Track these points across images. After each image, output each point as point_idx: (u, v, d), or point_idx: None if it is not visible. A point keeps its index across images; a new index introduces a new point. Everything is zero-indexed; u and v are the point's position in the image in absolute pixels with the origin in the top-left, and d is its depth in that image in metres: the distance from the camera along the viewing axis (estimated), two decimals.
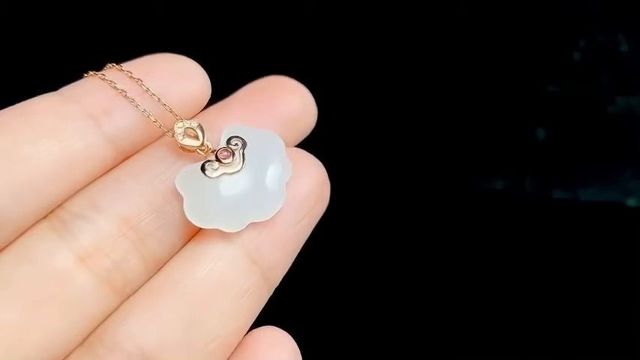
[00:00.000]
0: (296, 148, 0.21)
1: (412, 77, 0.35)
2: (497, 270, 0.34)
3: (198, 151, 0.20)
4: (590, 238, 0.34)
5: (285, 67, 0.23)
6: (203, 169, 0.19)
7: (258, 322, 0.20)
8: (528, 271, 0.34)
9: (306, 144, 0.22)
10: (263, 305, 0.20)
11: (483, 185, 0.35)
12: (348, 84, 0.35)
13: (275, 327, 0.19)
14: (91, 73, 0.20)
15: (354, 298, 0.33)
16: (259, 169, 0.19)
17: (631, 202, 0.34)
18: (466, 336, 0.33)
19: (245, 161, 0.19)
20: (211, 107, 0.21)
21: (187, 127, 0.19)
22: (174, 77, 0.20)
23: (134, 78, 0.20)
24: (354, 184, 0.34)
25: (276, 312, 0.20)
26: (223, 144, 0.20)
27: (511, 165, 0.35)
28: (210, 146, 0.20)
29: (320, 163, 0.21)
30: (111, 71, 0.20)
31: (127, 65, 0.20)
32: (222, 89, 0.21)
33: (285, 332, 0.19)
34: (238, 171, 0.19)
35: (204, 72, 0.20)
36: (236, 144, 0.20)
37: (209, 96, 0.20)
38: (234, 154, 0.19)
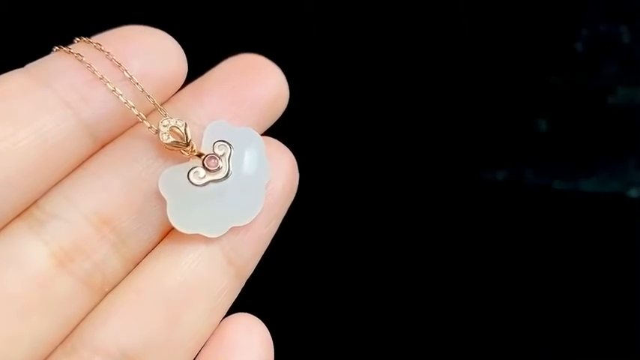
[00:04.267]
0: (269, 137, 0.20)
1: (414, 69, 0.35)
2: (498, 260, 0.34)
3: (182, 151, 0.19)
4: (591, 228, 0.34)
5: (261, 47, 0.23)
6: (188, 175, 0.19)
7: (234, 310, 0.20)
8: (529, 261, 0.34)
9: (314, 135, 0.21)
10: (234, 298, 0.20)
11: (485, 176, 0.35)
12: (347, 72, 0.35)
13: (247, 313, 0.19)
14: (61, 48, 0.19)
15: (353, 288, 0.34)
16: (243, 175, 0.19)
17: (633, 193, 0.34)
18: (466, 326, 0.33)
19: (230, 169, 0.19)
20: (187, 88, 0.20)
21: (172, 126, 0.19)
22: (150, 56, 0.19)
23: (111, 58, 0.19)
24: (356, 175, 0.34)
25: (263, 302, 0.21)
26: (207, 144, 0.19)
27: (512, 156, 0.35)
28: (195, 148, 0.19)
29: (291, 154, 0.20)
30: (81, 46, 0.19)
31: (97, 39, 0.19)
32: (194, 64, 0.20)
33: (256, 318, 0.19)
34: (224, 178, 0.19)
35: (181, 49, 0.19)
36: (223, 153, 0.19)
37: (185, 75, 0.20)
38: (220, 159, 0.19)
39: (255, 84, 0.20)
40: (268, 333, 0.19)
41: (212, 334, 0.19)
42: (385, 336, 0.33)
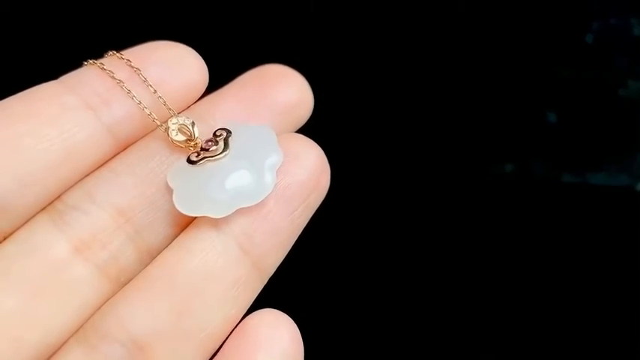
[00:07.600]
0: (294, 133, 0.21)
1: (423, 62, 0.35)
2: (506, 253, 0.34)
3: (190, 147, 0.20)
4: (599, 222, 0.34)
5: (287, 58, 0.23)
6: (188, 159, 0.20)
7: (259, 307, 0.20)
8: (537, 255, 0.34)
9: (316, 131, 0.21)
10: (256, 294, 0.20)
11: (493, 168, 0.35)
12: (357, 67, 0.35)
13: (271, 309, 0.19)
14: (91, 61, 0.20)
15: (364, 282, 0.34)
16: (245, 156, 0.19)
17: None
18: (474, 317, 0.33)
19: (228, 147, 0.20)
20: (206, 97, 0.21)
21: (181, 124, 0.20)
22: (172, 66, 0.20)
23: (133, 67, 0.20)
24: (362, 169, 0.34)
25: (284, 300, 0.21)
26: None
27: (521, 148, 0.35)
28: (200, 142, 0.20)
29: (319, 149, 0.20)
30: (111, 59, 0.20)
31: (127, 53, 0.20)
32: (220, 77, 0.21)
33: (284, 314, 0.19)
34: (220, 155, 0.19)
35: (202, 60, 0.20)
36: (220, 134, 0.20)
37: (206, 84, 0.20)
38: (217, 142, 0.20)
39: (274, 90, 0.21)
40: (296, 328, 0.19)
41: (235, 329, 0.19)
42: (401, 328, 0.33)
